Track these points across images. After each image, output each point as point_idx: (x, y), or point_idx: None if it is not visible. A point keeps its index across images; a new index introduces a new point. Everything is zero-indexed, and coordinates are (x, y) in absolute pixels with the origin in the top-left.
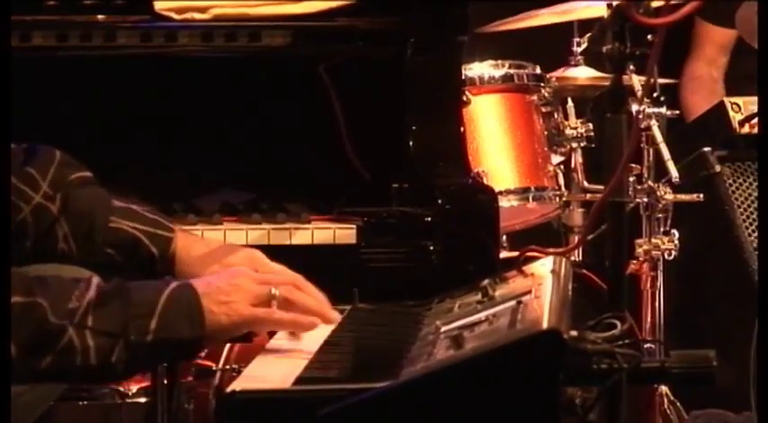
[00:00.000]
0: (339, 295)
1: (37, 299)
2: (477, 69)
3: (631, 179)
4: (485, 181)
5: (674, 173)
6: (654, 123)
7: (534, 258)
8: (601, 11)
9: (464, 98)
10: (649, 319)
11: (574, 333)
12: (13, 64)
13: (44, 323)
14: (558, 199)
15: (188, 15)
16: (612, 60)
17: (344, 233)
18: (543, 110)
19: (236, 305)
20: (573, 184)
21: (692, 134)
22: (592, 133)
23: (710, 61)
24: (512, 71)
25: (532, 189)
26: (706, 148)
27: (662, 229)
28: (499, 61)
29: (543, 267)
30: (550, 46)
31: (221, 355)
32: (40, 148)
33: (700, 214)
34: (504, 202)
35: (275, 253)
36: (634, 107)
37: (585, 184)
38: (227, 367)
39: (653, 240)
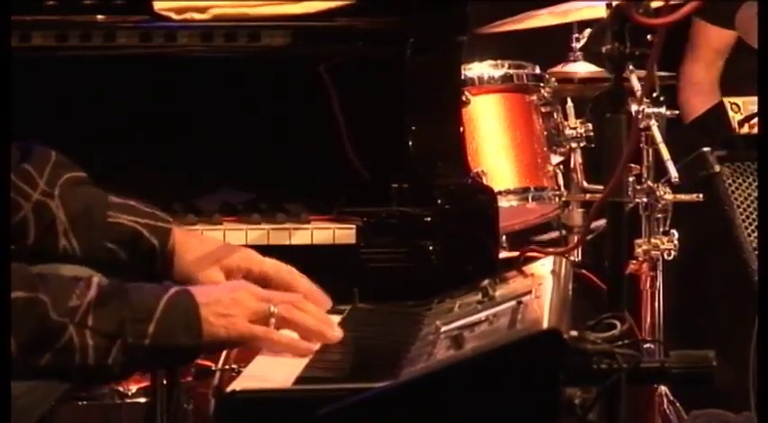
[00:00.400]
0: (339, 295)
1: (39, 294)
2: (477, 69)
3: (631, 179)
4: (484, 181)
5: (673, 173)
6: (653, 123)
7: (534, 258)
8: (600, 11)
9: (463, 98)
10: (649, 319)
11: (574, 333)
12: (13, 64)
13: (45, 320)
14: (557, 199)
15: (187, 15)
16: (612, 60)
17: (344, 233)
18: (543, 110)
19: (234, 319)
20: (572, 185)
21: (692, 134)
22: (591, 133)
23: (708, 64)
24: (511, 71)
25: (532, 189)
26: (705, 149)
27: (661, 230)
28: (498, 61)
29: (543, 267)
30: (550, 46)
31: (221, 355)
32: (35, 147)
33: (699, 214)
34: (503, 202)
35: (275, 253)
36: (633, 107)
37: (585, 184)
38: (227, 367)
39: (652, 240)
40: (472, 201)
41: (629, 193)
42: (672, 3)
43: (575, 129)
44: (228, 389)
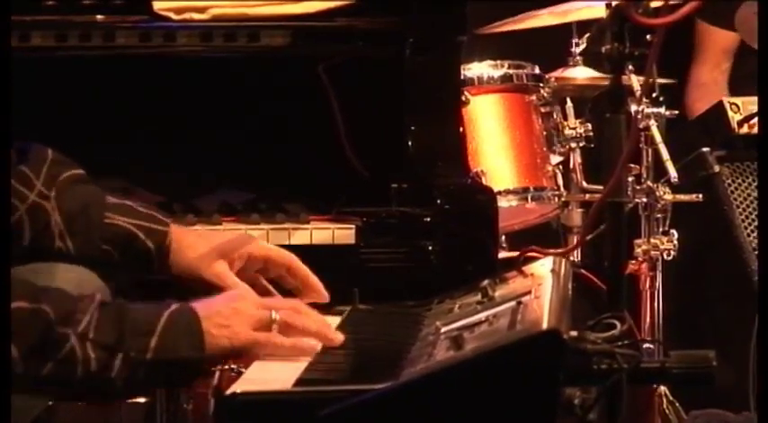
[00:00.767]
0: (339, 295)
1: (42, 306)
2: (477, 69)
3: (630, 179)
4: (484, 181)
5: (672, 173)
6: (653, 123)
7: (534, 258)
8: (600, 11)
9: (463, 98)
10: (648, 319)
11: (574, 333)
12: (13, 64)
13: (48, 330)
14: (556, 199)
15: (187, 15)
16: (611, 61)
17: (344, 233)
18: (542, 110)
19: (236, 329)
20: (572, 185)
21: (691, 134)
22: (591, 133)
23: (715, 66)
24: (511, 71)
25: (531, 189)
26: (705, 149)
27: (661, 230)
28: (498, 61)
29: (543, 268)
30: (549, 46)
31: None
32: (32, 146)
33: (699, 214)
34: (503, 202)
35: None
36: (633, 107)
37: (584, 184)
38: (227, 367)
39: (652, 240)
40: (472, 201)
41: (629, 193)
42: (671, 3)
43: (574, 129)
44: (229, 391)
